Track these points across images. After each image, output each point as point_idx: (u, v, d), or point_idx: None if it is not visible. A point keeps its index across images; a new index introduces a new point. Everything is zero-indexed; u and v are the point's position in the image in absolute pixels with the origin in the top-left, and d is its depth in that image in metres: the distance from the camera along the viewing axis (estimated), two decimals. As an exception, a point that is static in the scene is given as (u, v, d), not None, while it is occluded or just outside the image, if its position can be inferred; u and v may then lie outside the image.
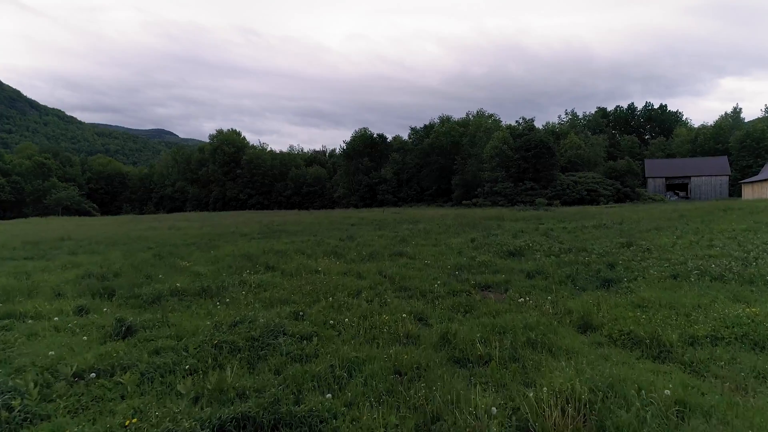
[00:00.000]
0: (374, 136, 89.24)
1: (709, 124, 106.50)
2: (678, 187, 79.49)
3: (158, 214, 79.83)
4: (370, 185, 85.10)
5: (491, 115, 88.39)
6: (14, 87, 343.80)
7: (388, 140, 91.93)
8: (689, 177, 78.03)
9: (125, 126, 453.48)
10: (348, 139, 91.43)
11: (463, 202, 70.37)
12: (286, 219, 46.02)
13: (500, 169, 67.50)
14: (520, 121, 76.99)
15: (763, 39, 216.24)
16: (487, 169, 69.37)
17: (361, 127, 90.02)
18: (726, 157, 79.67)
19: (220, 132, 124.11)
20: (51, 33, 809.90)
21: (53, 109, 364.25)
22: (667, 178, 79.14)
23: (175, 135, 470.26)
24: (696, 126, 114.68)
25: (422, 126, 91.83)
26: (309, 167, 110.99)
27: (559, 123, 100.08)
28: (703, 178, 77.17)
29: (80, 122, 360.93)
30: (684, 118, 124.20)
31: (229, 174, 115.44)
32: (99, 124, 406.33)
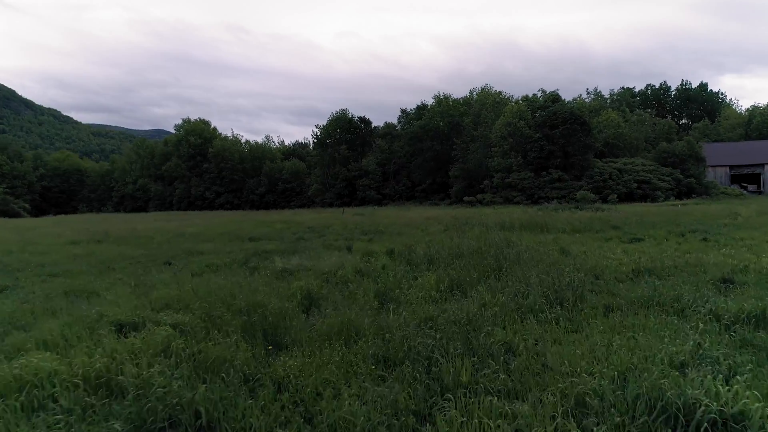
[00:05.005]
0: (354, 119, 71.30)
1: (761, 105, 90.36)
2: (745, 178, 61.00)
3: (52, 217, 62.75)
4: (349, 179, 67.50)
5: (499, 93, 70.25)
6: (8, 87, 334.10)
7: (372, 125, 74.16)
8: (762, 165, 59.70)
9: (123, 126, 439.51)
10: (324, 123, 73.66)
11: (465, 198, 52.63)
12: (184, 226, 29.28)
13: (515, 153, 49.73)
14: (539, 94, 58.83)
15: (763, 35, 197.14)
16: (497, 154, 51.63)
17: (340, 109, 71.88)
18: (810, 138, 61.50)
19: (186, 121, 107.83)
20: (37, 32, 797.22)
21: (49, 108, 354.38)
22: (731, 167, 60.72)
23: (174, 135, 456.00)
24: (743, 108, 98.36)
25: (414, 107, 73.80)
26: (286, 161, 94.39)
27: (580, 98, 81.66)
28: (781, 166, 58.99)
29: (76, 122, 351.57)
30: (728, 99, 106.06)
31: (194, 169, 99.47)
32: (97, 125, 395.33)
